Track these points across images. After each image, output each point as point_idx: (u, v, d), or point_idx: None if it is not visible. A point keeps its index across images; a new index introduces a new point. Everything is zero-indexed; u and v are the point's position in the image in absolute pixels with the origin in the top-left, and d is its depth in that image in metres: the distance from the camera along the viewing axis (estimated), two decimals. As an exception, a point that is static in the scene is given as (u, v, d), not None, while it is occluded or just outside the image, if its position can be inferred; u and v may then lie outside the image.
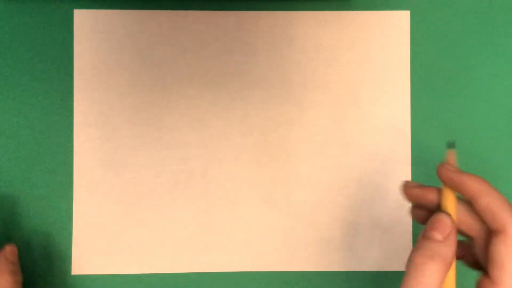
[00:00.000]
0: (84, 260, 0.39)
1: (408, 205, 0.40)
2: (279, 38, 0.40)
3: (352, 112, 0.40)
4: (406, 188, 0.29)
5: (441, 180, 0.28)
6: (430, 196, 0.28)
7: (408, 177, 0.39)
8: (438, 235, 0.26)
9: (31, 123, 0.39)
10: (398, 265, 0.39)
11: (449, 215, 0.27)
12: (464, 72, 0.40)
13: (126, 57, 0.39)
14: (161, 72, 0.39)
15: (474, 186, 0.26)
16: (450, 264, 0.26)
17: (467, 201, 0.27)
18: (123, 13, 0.39)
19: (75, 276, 0.39)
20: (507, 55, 0.40)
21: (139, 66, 0.39)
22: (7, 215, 0.39)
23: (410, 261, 0.26)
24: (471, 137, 0.40)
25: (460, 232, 0.28)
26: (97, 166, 0.39)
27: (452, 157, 0.29)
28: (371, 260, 0.39)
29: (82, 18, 0.39)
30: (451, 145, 0.29)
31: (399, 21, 0.40)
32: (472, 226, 0.27)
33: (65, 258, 0.39)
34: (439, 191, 0.28)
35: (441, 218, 0.27)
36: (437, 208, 0.28)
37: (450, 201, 0.27)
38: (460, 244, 0.29)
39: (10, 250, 0.36)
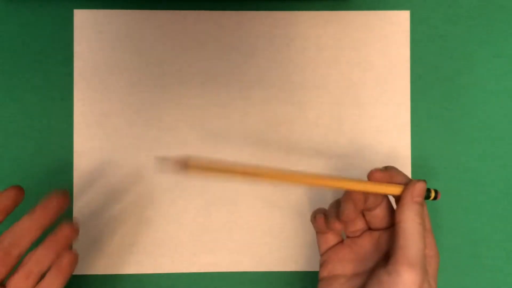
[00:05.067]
0: (84, 260, 0.39)
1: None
2: (279, 38, 0.40)
3: (352, 112, 0.40)
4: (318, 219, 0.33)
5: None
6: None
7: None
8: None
9: (31, 123, 0.39)
10: (398, 265, 0.39)
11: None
12: (464, 72, 0.40)
13: (126, 57, 0.39)
14: (161, 72, 0.39)
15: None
16: None
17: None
18: (123, 13, 0.39)
19: (75, 276, 0.39)
20: (507, 55, 0.40)
21: (139, 66, 0.39)
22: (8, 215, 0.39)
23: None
24: (471, 137, 0.40)
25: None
26: (97, 166, 0.39)
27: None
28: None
29: (82, 18, 0.39)
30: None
31: (399, 21, 0.40)
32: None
33: (65, 258, 0.39)
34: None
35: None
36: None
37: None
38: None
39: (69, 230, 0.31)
